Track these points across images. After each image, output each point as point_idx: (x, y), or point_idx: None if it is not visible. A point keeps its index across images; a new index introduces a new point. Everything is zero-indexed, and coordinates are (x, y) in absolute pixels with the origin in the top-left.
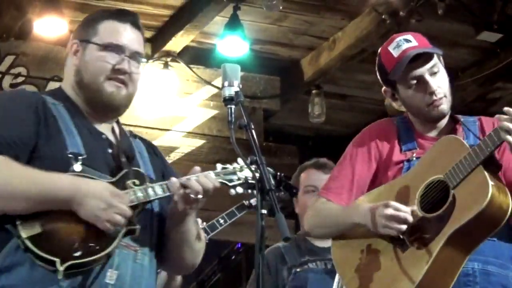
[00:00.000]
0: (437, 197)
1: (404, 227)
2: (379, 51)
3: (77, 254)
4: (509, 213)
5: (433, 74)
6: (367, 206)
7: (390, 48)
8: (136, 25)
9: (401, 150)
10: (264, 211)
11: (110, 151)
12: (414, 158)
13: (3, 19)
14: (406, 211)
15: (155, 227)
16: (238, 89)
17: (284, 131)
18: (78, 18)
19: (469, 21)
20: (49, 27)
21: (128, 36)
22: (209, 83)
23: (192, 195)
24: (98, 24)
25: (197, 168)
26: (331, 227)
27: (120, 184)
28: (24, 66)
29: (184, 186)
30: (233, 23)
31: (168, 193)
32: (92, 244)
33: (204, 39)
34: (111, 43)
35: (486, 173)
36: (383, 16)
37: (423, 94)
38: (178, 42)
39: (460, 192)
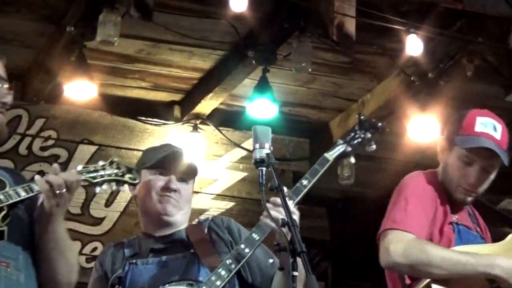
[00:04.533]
0: None
1: None
2: (468, 112)
3: None
4: None
5: (486, 171)
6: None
7: (478, 119)
8: None
9: (451, 210)
10: (296, 273)
11: None
12: (459, 222)
13: (33, 83)
14: None
15: (27, 239)
16: (269, 151)
17: (313, 193)
18: (107, 82)
19: (498, 83)
20: (79, 91)
21: None
22: (238, 145)
23: (56, 190)
24: None
25: (56, 165)
26: (447, 269)
27: None
28: (54, 129)
29: (47, 182)
30: (262, 85)
31: (32, 194)
32: None
33: (233, 102)
34: None
35: None
36: (411, 78)
37: (465, 176)
38: (207, 104)
39: None
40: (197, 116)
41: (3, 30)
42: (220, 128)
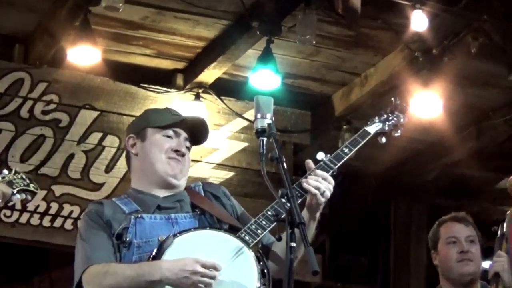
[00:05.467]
0: None
1: None
2: None
3: None
4: None
5: None
6: None
7: None
8: None
9: None
10: (294, 244)
11: None
12: None
13: (36, 46)
14: None
15: None
16: (270, 121)
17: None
18: (111, 48)
19: (502, 61)
20: (82, 56)
21: None
22: (240, 115)
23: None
24: None
25: None
26: None
27: None
28: (56, 93)
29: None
30: (266, 56)
31: None
32: None
33: (236, 72)
34: None
35: None
36: (415, 54)
37: None
38: (210, 73)
39: None
40: (200, 85)
41: None
42: (222, 97)
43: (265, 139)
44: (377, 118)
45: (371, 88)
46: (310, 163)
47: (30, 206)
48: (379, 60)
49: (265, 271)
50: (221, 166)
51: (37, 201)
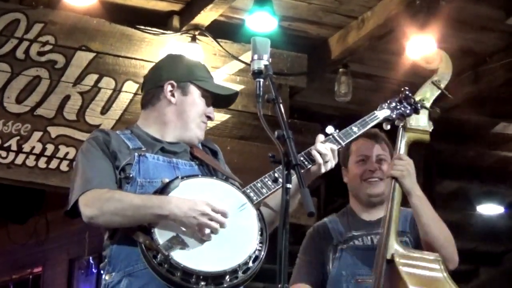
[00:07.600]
0: None
1: None
2: None
3: None
4: None
5: None
6: None
7: None
8: None
9: None
10: (290, 185)
11: None
12: None
13: None
14: None
15: None
16: (267, 63)
17: (310, 109)
18: None
19: (500, 5)
20: None
21: None
22: (236, 58)
23: None
24: None
25: None
26: None
27: None
28: (52, 34)
29: None
30: None
31: None
32: None
33: (233, 14)
34: None
35: None
36: None
37: None
38: (206, 15)
39: None
40: (196, 27)
41: None
42: (219, 40)
43: (261, 80)
44: (386, 104)
45: (367, 32)
46: (320, 137)
47: (26, 147)
48: (376, 3)
49: (264, 230)
50: (217, 108)
51: (33, 142)
